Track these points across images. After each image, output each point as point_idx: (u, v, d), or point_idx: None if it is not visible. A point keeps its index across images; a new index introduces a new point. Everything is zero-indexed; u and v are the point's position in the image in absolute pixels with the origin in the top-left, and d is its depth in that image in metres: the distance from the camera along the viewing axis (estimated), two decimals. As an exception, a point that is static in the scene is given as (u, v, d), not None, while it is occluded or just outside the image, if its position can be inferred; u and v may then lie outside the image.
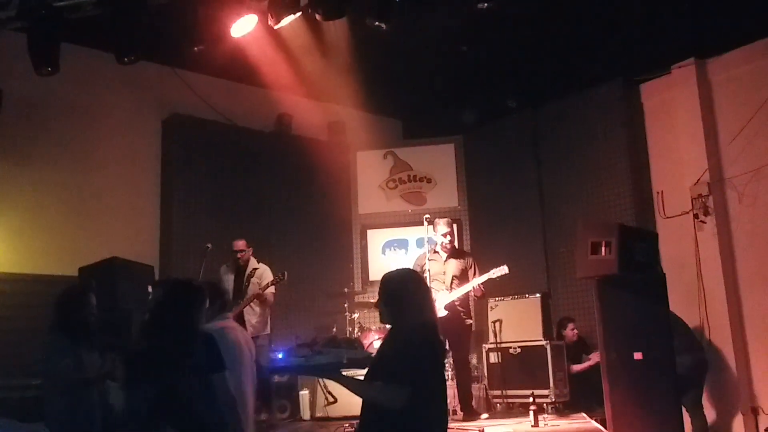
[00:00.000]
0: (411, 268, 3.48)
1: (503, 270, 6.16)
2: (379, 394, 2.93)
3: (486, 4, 5.24)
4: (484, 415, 6.43)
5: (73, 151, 7.65)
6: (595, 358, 7.06)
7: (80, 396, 4.34)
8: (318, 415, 6.76)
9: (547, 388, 6.66)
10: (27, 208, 7.23)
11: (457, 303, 6.23)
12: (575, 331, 7.47)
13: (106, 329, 4.83)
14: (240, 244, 7.18)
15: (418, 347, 2.96)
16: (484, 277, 6.22)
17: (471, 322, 6.46)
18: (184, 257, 7.75)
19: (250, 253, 7.21)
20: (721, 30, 7.23)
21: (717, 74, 7.53)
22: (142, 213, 8.03)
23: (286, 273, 6.90)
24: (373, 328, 8.13)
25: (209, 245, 6.91)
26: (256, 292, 6.85)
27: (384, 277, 3.30)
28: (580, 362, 7.24)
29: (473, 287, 6.24)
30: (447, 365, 7.03)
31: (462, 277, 6.35)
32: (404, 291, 3.19)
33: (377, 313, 8.73)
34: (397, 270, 3.29)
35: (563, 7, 6.78)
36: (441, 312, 6.12)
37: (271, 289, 6.96)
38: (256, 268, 7.10)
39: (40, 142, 7.42)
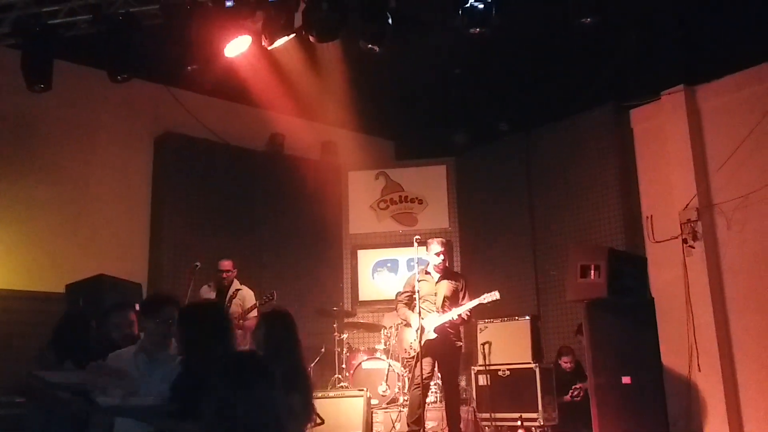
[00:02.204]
0: (214, 301, 3.63)
1: (495, 296, 6.11)
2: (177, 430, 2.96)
3: (478, 29, 5.29)
4: (473, 439, 6.39)
5: (65, 168, 7.64)
6: (580, 389, 7.05)
7: (58, 416, 4.25)
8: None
9: (536, 411, 6.63)
10: (16, 223, 7.20)
11: (447, 325, 6.19)
12: (569, 364, 7.43)
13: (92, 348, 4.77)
14: (226, 264, 7.11)
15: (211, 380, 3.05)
16: (475, 302, 6.16)
17: (461, 344, 6.42)
18: (173, 275, 7.72)
19: (235, 274, 7.16)
20: (711, 57, 7.33)
21: (706, 101, 7.60)
22: (132, 231, 8.00)
23: (275, 292, 6.83)
24: (362, 348, 8.10)
25: (198, 263, 6.88)
26: (238, 313, 6.76)
27: (183, 307, 3.47)
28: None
29: (455, 316, 6.15)
30: (435, 387, 7.04)
31: (453, 299, 6.30)
32: (197, 325, 3.21)
33: (367, 334, 8.77)
34: (197, 302, 3.41)
35: (555, 33, 6.86)
36: (431, 334, 6.10)
37: (254, 313, 6.88)
38: (239, 290, 7.02)
39: (31, 158, 7.41)
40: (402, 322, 6.56)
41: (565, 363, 7.42)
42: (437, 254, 6.33)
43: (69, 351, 4.40)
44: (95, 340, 4.55)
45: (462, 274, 7.03)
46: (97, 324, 4.69)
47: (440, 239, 6.52)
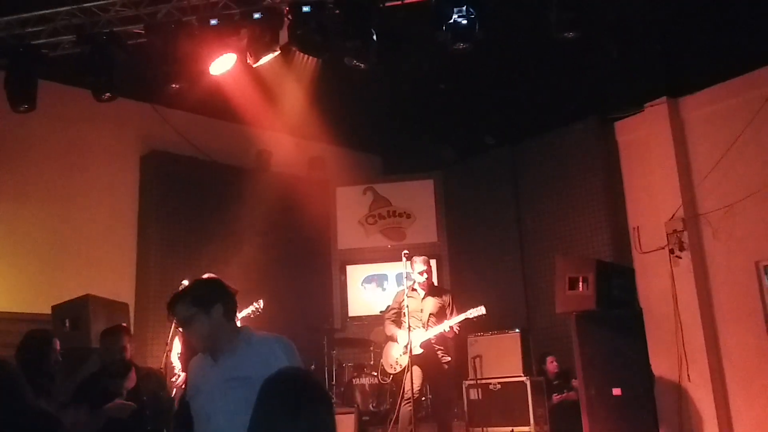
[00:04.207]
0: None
1: (480, 311, 6.14)
2: None
3: (462, 45, 5.32)
4: (465, 454, 6.36)
5: (50, 188, 7.59)
6: (571, 395, 7.04)
7: None
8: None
9: (528, 424, 6.60)
10: (1, 244, 7.13)
11: (433, 341, 6.20)
12: (555, 363, 7.47)
13: (78, 369, 4.72)
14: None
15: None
16: (461, 317, 6.19)
17: (449, 359, 6.41)
18: (160, 294, 7.64)
19: None
20: (693, 70, 7.41)
21: (689, 112, 7.69)
22: (119, 250, 7.94)
23: (261, 301, 6.52)
24: (352, 364, 8.06)
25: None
26: None
27: None
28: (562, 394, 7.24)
29: (447, 328, 6.19)
30: (426, 402, 7.01)
31: (439, 315, 6.32)
32: None
33: (357, 350, 8.73)
34: None
35: (539, 47, 6.91)
36: (417, 350, 6.10)
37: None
38: None
39: (16, 178, 7.36)
40: (388, 339, 6.55)
41: (551, 363, 7.43)
42: (421, 273, 6.37)
43: (35, 375, 4.33)
44: (54, 361, 4.49)
45: (448, 290, 7.05)
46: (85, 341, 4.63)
47: (423, 257, 6.52)
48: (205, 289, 3.04)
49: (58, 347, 4.57)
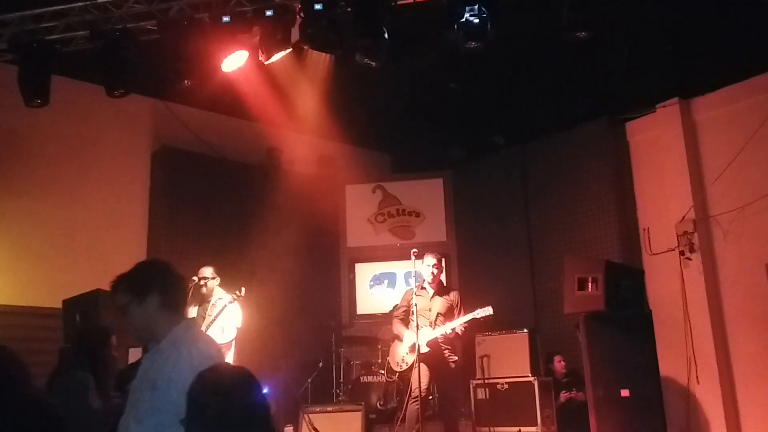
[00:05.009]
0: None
1: (488, 311, 6.15)
2: None
3: (474, 44, 5.32)
4: (471, 453, 6.37)
5: (61, 183, 7.64)
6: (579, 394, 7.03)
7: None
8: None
9: (535, 425, 6.61)
10: (13, 239, 7.20)
11: (440, 340, 6.22)
12: (563, 363, 7.46)
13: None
14: (206, 271, 6.64)
15: None
16: (469, 317, 6.20)
17: (456, 358, 6.42)
18: (170, 290, 7.67)
19: (217, 283, 6.70)
20: (705, 71, 7.38)
21: (701, 113, 7.64)
22: (129, 245, 7.98)
23: (243, 289, 6.46)
24: (360, 362, 8.08)
25: (195, 278, 6.84)
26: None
27: None
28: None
29: (453, 328, 6.19)
30: (435, 400, 7.01)
31: (447, 315, 6.34)
32: None
33: (365, 348, 8.76)
34: None
35: (550, 47, 6.90)
36: (423, 348, 6.11)
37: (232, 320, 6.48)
38: (220, 299, 6.55)
39: (28, 173, 7.41)
40: (395, 337, 6.57)
41: (559, 362, 7.43)
42: (433, 266, 6.37)
43: (100, 369, 4.39)
44: (110, 356, 4.55)
45: (456, 289, 7.06)
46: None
47: (435, 253, 6.54)
48: (142, 275, 2.70)
49: (115, 343, 4.61)
